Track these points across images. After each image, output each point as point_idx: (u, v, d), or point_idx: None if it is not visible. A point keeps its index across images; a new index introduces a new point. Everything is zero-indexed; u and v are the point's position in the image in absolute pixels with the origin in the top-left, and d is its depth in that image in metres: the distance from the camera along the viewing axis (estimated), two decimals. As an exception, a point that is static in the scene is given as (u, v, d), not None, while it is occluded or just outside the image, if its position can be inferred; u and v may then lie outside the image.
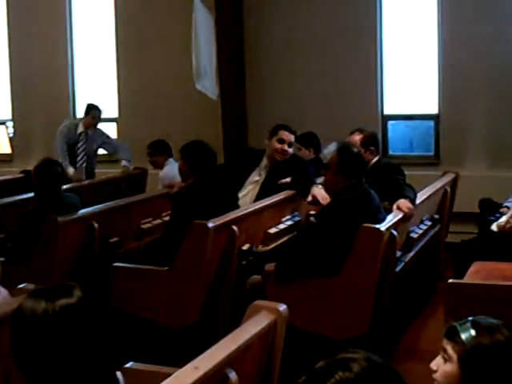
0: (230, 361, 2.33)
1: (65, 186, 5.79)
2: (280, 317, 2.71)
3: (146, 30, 8.85)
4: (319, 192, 5.23)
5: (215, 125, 8.29)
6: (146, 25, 8.87)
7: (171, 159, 7.06)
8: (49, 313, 1.84)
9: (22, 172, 7.65)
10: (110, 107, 9.21)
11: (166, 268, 4.61)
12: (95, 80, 9.47)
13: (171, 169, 6.85)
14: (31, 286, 3.18)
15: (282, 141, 5.86)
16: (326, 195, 4.93)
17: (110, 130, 9.25)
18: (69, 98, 9.40)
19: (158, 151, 7.21)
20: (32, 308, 1.87)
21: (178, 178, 6.61)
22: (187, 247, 4.51)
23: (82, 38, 9.43)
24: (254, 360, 2.62)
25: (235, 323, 2.76)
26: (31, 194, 5.91)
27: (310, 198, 5.33)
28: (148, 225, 5.81)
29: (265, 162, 5.92)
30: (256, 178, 5.91)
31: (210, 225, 4.49)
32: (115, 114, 9.26)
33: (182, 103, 8.59)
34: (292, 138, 5.91)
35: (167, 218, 5.61)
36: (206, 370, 2.17)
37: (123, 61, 9.05)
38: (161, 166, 7.11)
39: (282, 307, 2.74)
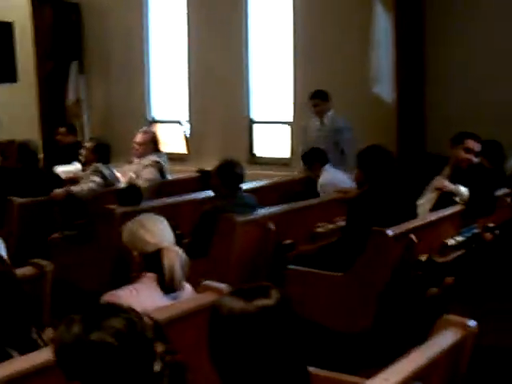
0: (419, 375, 2.29)
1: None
2: (469, 333, 2.63)
3: (322, 35, 8.88)
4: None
5: (389, 129, 8.20)
6: (322, 29, 8.91)
7: (327, 166, 7.01)
8: (247, 312, 1.87)
9: (197, 171, 7.89)
10: (283, 110, 9.34)
11: (341, 274, 4.61)
12: (270, 81, 9.62)
13: (328, 175, 6.88)
14: (216, 284, 3.28)
15: (468, 150, 5.65)
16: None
17: (284, 133, 9.39)
18: (244, 98, 9.60)
19: (309, 162, 7.19)
20: (230, 307, 1.90)
21: (338, 184, 6.61)
22: (366, 254, 4.50)
23: (257, 39, 9.61)
24: (441, 376, 2.57)
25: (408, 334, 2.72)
26: (207, 193, 6.11)
27: None
28: (321, 229, 5.84)
29: (447, 171, 5.75)
30: (437, 185, 5.77)
31: (390, 233, 4.46)
32: (289, 118, 9.34)
33: (357, 107, 8.55)
34: (478, 146, 5.67)
35: (341, 223, 5.62)
36: (396, 382, 2.14)
37: (299, 63, 9.13)
38: (318, 175, 7.07)
39: (472, 323, 2.66)
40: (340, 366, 3.72)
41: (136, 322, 1.80)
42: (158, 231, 3.30)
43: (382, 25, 8.36)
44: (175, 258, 3.21)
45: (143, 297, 3.12)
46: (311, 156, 7.07)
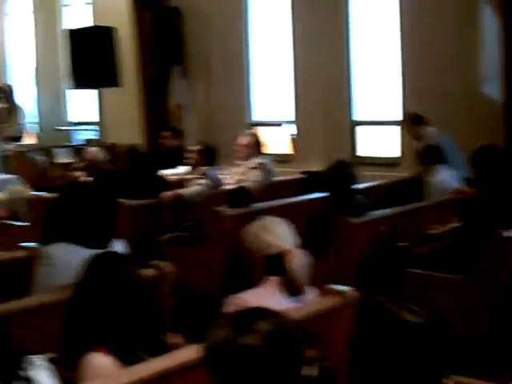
0: None
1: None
2: None
3: (430, 33, 8.72)
4: None
5: (497, 129, 7.98)
6: (428, 27, 8.75)
7: (441, 166, 6.86)
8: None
9: (303, 173, 7.88)
10: (391, 110, 9.23)
11: (461, 276, 4.52)
12: (374, 82, 9.52)
13: (442, 176, 6.73)
14: (339, 287, 3.25)
15: None
16: None
17: (392, 133, 9.26)
18: (346, 99, 9.54)
19: (427, 161, 7.05)
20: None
21: (450, 185, 6.46)
22: (487, 256, 4.40)
23: (360, 39, 9.52)
24: None
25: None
26: (316, 194, 6.08)
27: None
28: (434, 231, 5.74)
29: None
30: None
31: (508, 235, 4.36)
32: (399, 117, 9.21)
33: (463, 107, 8.37)
34: None
35: (453, 225, 5.51)
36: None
37: (407, 63, 8.99)
38: (432, 175, 6.92)
39: None
40: (461, 369, 3.64)
41: (285, 326, 1.79)
42: (280, 234, 3.29)
43: (490, 24, 8.16)
44: (299, 260, 3.19)
45: (267, 300, 3.11)
46: (430, 154, 6.94)
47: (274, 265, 3.21)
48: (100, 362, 2.49)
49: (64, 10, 12.08)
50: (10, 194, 8.22)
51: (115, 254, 3.15)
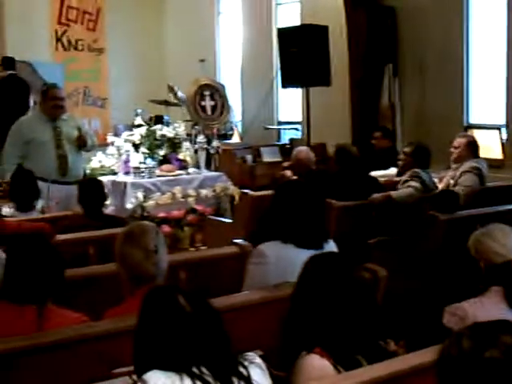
0: None
1: None
2: None
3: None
4: None
5: None
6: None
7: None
8: None
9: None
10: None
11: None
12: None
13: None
14: None
15: None
16: None
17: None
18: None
19: None
20: None
21: None
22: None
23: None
24: None
25: None
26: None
27: None
28: None
29: None
30: None
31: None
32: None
33: None
34: None
35: None
36: None
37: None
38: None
39: None
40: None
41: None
42: (507, 243, 3.15)
43: None
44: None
45: (489, 311, 2.98)
46: None
47: (497, 274, 3.06)
48: (318, 363, 2.47)
49: (274, 9, 12.33)
50: (216, 192, 8.51)
51: (338, 254, 3.13)
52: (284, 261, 3.57)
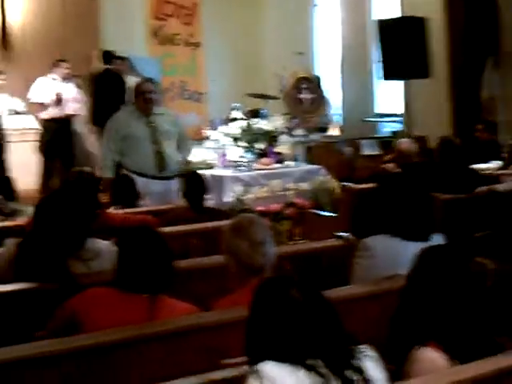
0: None
1: None
2: None
3: None
4: None
5: None
6: None
7: None
8: None
9: None
10: None
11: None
12: None
13: None
14: None
15: None
16: None
17: None
18: None
19: None
20: None
21: None
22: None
23: None
24: None
25: None
26: None
27: None
28: None
29: None
30: None
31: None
32: None
33: None
34: None
35: None
36: None
37: None
38: None
39: None
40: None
41: None
42: None
43: None
44: None
45: None
46: None
47: None
48: (432, 356, 2.46)
49: (373, 1, 12.21)
50: (315, 185, 8.52)
51: (451, 247, 3.10)
52: (391, 254, 3.56)
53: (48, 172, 10.50)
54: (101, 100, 10.33)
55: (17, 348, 2.90)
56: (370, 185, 6.03)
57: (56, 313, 3.24)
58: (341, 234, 4.52)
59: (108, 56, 10.82)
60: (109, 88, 10.46)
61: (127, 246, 3.22)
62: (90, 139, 11.21)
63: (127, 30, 12.15)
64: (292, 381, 2.15)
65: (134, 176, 6.62)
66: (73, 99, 10.65)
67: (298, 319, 2.24)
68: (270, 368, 2.17)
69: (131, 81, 10.30)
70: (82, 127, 11.09)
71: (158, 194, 6.91)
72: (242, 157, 8.34)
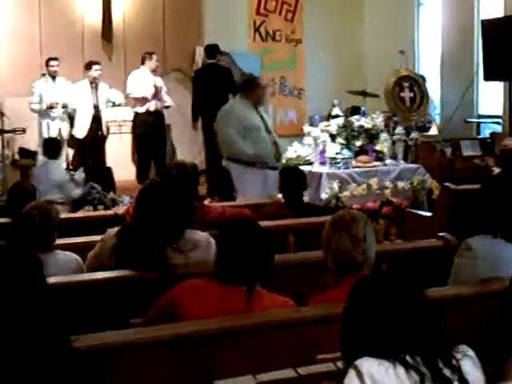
0: None
1: None
2: None
3: None
4: None
5: None
6: None
7: None
8: None
9: None
10: None
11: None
12: None
13: None
14: None
15: None
16: None
17: None
18: None
19: None
20: None
21: None
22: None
23: None
24: None
25: None
26: None
27: None
28: None
29: None
30: None
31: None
32: None
33: None
34: None
35: None
36: None
37: None
38: None
39: None
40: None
41: None
42: None
43: None
44: None
45: None
46: None
47: None
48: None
49: (480, 0, 11.92)
50: (413, 184, 8.43)
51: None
52: (493, 255, 3.48)
53: (143, 163, 10.70)
54: (207, 93, 10.41)
55: (113, 333, 2.96)
56: (471, 186, 5.92)
57: (156, 301, 3.29)
58: (441, 234, 4.45)
59: (213, 50, 10.93)
60: (216, 81, 10.54)
61: (229, 238, 3.23)
62: (177, 131, 11.42)
63: (229, 26, 12.25)
64: (391, 377, 2.14)
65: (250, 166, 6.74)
66: (165, 91, 10.81)
67: (398, 316, 2.22)
68: (369, 364, 2.16)
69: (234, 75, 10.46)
70: (171, 119, 11.26)
71: (274, 185, 6.92)
72: (338, 153, 8.30)
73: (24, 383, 2.11)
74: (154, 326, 3.08)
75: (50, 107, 10.27)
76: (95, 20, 11.81)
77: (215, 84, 10.38)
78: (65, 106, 10.43)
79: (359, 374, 2.14)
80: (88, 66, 10.58)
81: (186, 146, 11.53)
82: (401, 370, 2.15)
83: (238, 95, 7.82)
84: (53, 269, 3.78)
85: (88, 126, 10.46)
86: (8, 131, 9.92)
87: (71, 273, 4.00)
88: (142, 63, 10.71)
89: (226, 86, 10.24)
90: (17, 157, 10.45)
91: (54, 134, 10.20)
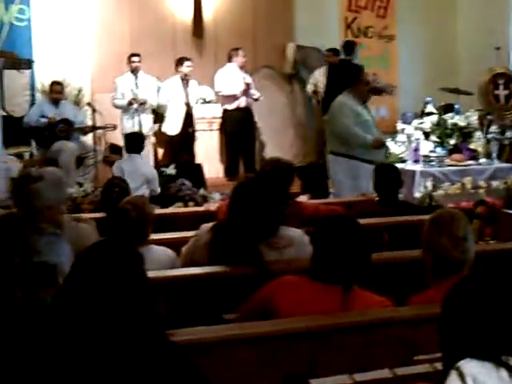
0: None
1: None
2: None
3: None
4: None
5: None
6: None
7: None
8: None
9: None
10: None
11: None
12: None
13: None
14: None
15: None
16: None
17: None
18: None
19: None
20: None
21: None
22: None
23: None
24: None
25: None
26: None
27: None
28: None
29: None
30: None
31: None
32: None
33: None
34: None
35: None
36: None
37: None
38: None
39: None
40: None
41: None
42: None
43: None
44: None
45: None
46: None
47: None
48: None
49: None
50: (508, 183, 8.25)
51: None
52: None
53: (232, 160, 10.73)
54: (339, 88, 10.33)
55: (206, 329, 2.98)
56: None
57: (251, 296, 3.29)
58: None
59: (351, 46, 10.89)
60: (348, 78, 10.49)
61: (327, 235, 3.19)
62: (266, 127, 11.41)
63: (320, 22, 12.19)
64: (493, 380, 2.08)
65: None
66: (253, 87, 10.79)
67: (501, 316, 2.16)
68: (472, 366, 2.11)
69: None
70: (261, 115, 11.25)
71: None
72: (431, 151, 8.18)
73: (125, 377, 2.14)
74: (245, 323, 3.08)
75: (130, 103, 10.31)
76: (186, 16, 11.89)
77: (347, 80, 10.32)
78: (143, 103, 10.35)
79: (461, 376, 2.09)
80: (179, 63, 10.60)
81: (276, 142, 11.50)
82: (504, 373, 2.09)
83: (347, 91, 7.79)
84: (148, 263, 3.82)
85: (181, 123, 10.49)
86: (100, 127, 10.05)
87: (166, 267, 4.04)
88: (229, 60, 10.73)
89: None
90: (107, 153, 10.57)
91: (134, 129, 10.18)
